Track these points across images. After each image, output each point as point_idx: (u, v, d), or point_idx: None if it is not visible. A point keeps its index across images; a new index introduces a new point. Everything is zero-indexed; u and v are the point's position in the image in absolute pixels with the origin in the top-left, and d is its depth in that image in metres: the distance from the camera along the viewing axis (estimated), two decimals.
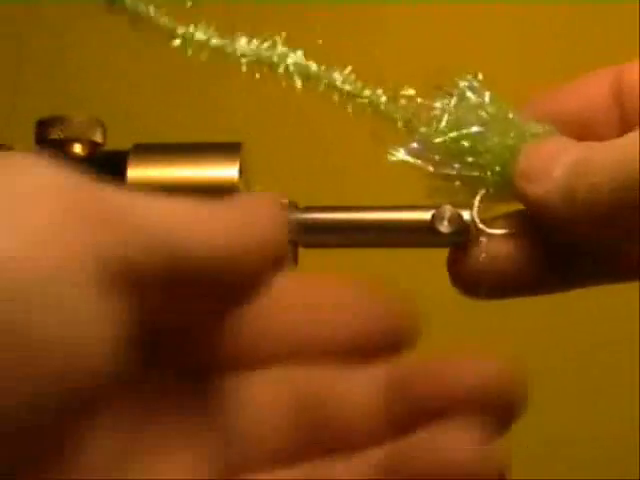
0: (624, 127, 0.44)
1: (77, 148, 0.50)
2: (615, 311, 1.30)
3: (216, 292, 0.34)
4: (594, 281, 0.44)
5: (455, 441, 0.35)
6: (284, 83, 0.42)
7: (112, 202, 0.31)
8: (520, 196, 0.42)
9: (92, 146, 0.50)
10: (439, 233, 0.43)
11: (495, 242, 0.42)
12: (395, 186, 0.46)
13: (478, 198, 0.43)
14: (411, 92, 0.43)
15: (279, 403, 0.38)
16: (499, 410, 0.37)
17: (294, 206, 0.46)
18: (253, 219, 0.35)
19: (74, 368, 0.28)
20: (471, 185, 0.43)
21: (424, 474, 0.35)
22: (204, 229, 0.33)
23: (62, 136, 0.50)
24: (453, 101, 0.43)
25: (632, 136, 0.40)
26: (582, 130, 0.44)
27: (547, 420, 1.32)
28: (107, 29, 1.20)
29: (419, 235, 0.44)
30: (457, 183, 0.43)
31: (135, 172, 0.47)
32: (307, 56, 0.42)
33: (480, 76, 0.44)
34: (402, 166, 0.44)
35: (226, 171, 0.46)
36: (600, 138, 0.43)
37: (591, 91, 0.44)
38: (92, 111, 0.50)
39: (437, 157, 0.43)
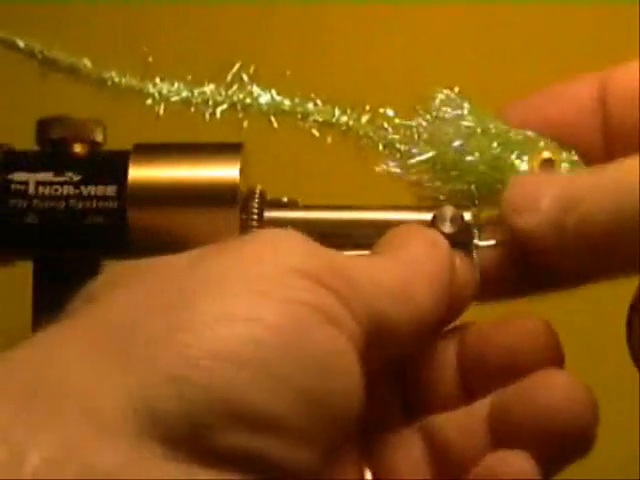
0: (607, 132, 0.44)
1: (77, 148, 0.50)
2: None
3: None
4: (570, 286, 0.45)
5: (554, 385, 0.40)
6: (260, 123, 0.43)
7: (352, 278, 0.37)
8: (508, 227, 0.42)
9: (92, 146, 0.51)
10: (441, 233, 0.44)
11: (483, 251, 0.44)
12: (392, 187, 0.46)
13: (470, 214, 0.44)
14: (390, 112, 0.43)
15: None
16: (554, 359, 0.42)
17: (295, 204, 0.47)
18: (437, 271, 0.41)
19: (351, 416, 0.36)
20: (456, 199, 0.44)
21: (529, 420, 0.40)
22: (411, 305, 0.39)
23: (62, 136, 0.51)
24: (429, 117, 0.43)
25: (621, 164, 0.40)
26: (563, 134, 0.44)
27: None
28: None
29: None
30: (441, 197, 0.44)
31: (136, 172, 0.48)
32: (280, 90, 0.43)
33: (456, 89, 0.44)
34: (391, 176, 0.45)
35: (227, 171, 0.47)
36: (582, 142, 0.44)
37: (577, 95, 0.44)
38: (92, 111, 0.51)
39: (420, 175, 0.43)
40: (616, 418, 1.29)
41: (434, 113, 0.44)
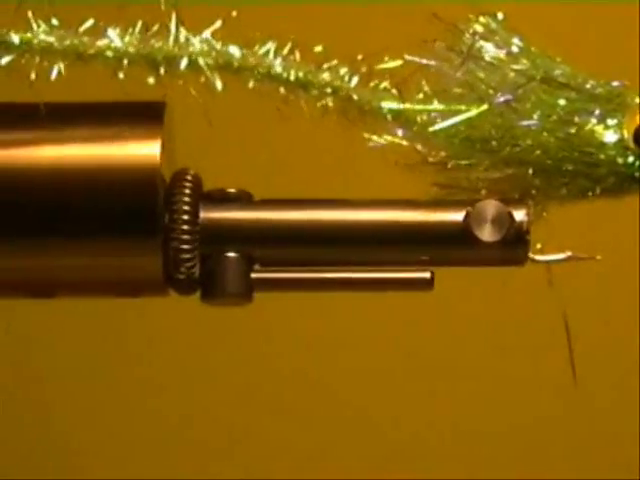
0: None
1: None
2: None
3: None
4: None
5: None
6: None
7: None
8: None
9: None
10: (478, 241, 0.30)
11: None
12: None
13: (525, 212, 0.29)
14: (396, 63, 0.27)
15: None
16: None
17: (247, 197, 0.33)
18: None
19: None
20: (497, 186, 0.29)
21: None
22: None
23: None
24: (460, 59, 0.28)
25: None
26: None
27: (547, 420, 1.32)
28: None
29: (448, 247, 0.31)
30: (480, 186, 0.28)
31: None
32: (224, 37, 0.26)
33: (500, 16, 0.27)
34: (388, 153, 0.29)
35: (144, 148, 0.33)
36: None
37: None
38: None
39: (442, 152, 0.28)
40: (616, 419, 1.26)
41: (467, 53, 0.28)
